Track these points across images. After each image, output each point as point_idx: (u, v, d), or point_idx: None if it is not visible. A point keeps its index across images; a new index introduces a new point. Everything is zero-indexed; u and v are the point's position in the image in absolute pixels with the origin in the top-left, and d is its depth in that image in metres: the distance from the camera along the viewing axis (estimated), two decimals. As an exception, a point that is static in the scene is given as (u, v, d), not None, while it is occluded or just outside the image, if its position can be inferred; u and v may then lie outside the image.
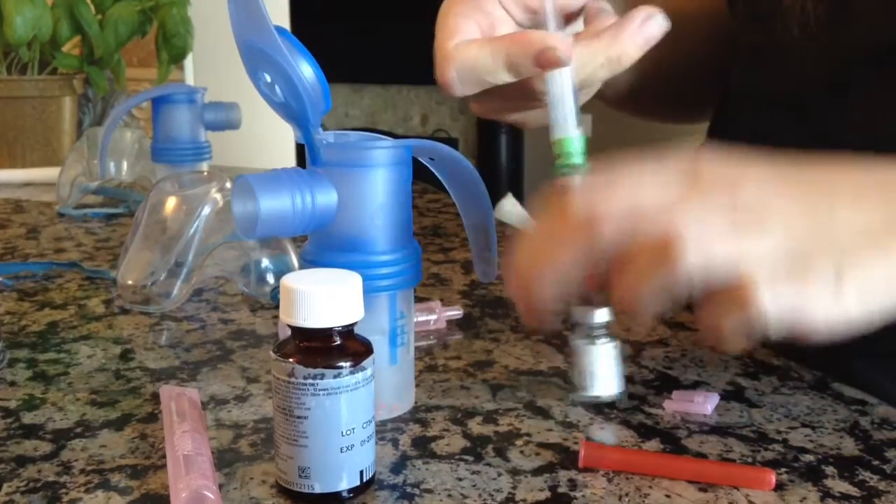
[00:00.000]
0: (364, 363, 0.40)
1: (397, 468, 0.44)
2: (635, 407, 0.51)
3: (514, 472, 0.43)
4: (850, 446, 0.46)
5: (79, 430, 0.48)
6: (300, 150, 0.69)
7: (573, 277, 0.41)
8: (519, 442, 0.46)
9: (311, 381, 0.39)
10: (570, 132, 0.49)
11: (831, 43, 0.58)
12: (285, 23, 2.33)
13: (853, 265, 0.39)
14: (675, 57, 0.70)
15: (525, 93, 0.52)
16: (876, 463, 0.44)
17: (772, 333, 0.39)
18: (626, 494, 0.41)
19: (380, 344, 0.47)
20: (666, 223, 0.38)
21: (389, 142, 0.48)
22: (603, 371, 0.49)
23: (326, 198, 0.46)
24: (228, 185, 0.69)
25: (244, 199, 0.45)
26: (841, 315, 0.39)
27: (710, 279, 0.39)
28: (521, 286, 0.42)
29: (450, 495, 0.41)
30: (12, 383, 0.54)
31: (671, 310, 0.42)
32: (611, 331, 0.49)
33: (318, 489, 0.40)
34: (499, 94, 0.52)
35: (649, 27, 0.50)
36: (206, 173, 0.77)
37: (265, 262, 0.70)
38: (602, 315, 0.48)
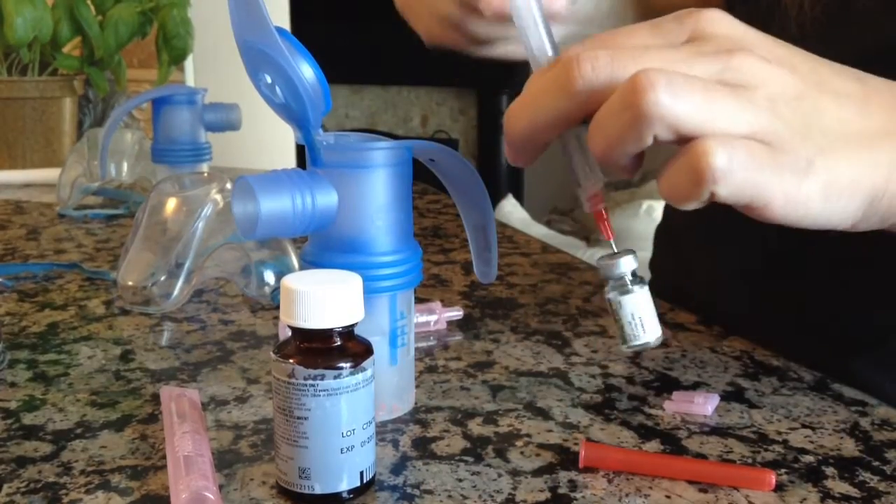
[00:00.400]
0: (364, 364, 0.40)
1: (397, 469, 0.44)
2: (635, 408, 0.51)
3: (515, 473, 0.43)
4: (850, 447, 0.46)
5: (79, 430, 0.48)
6: (300, 150, 0.68)
7: (553, 115, 0.41)
8: (519, 443, 0.46)
9: (311, 381, 0.39)
10: (544, 63, 0.46)
11: (829, 43, 0.58)
12: (285, 23, 2.34)
13: (827, 159, 0.39)
14: None
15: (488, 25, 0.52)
16: (876, 464, 0.44)
17: (726, 199, 0.38)
18: (627, 495, 0.41)
19: (380, 345, 0.47)
20: (641, 66, 0.38)
21: (389, 143, 0.48)
22: (645, 317, 0.46)
23: (327, 198, 0.46)
24: (229, 186, 0.69)
25: (244, 200, 0.45)
26: (801, 201, 0.39)
27: (675, 132, 0.38)
28: (507, 120, 0.43)
29: (450, 496, 0.41)
30: (12, 384, 0.55)
31: (638, 163, 0.41)
32: (639, 276, 0.47)
33: (318, 490, 0.40)
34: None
35: None
36: (206, 174, 0.77)
37: (265, 263, 0.70)
38: (628, 263, 0.46)
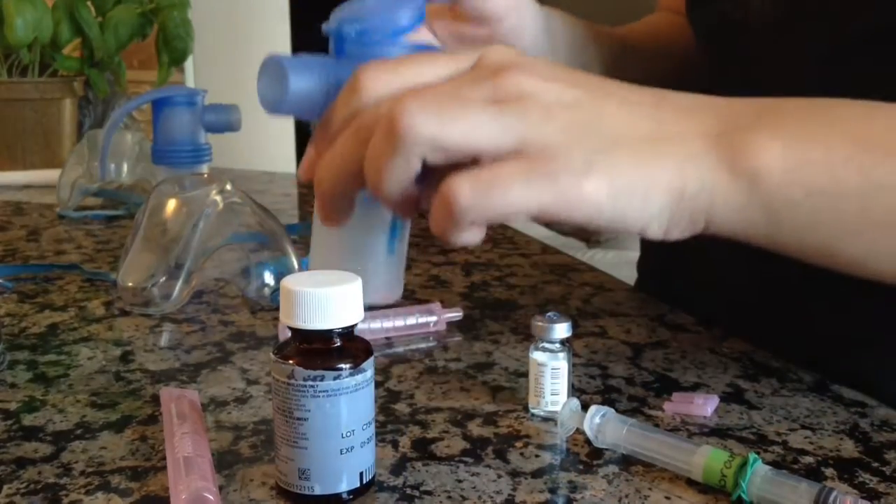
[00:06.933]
0: (364, 365, 0.40)
1: (397, 470, 0.44)
2: (635, 408, 0.51)
3: (514, 474, 0.43)
4: (849, 448, 0.46)
5: (79, 431, 0.48)
6: (300, 150, 0.69)
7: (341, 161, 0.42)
8: (519, 444, 0.47)
9: (310, 382, 0.39)
10: None
11: (796, 35, 0.58)
12: (285, 22, 2.34)
13: (609, 157, 0.39)
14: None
15: None
16: (875, 465, 0.44)
17: (495, 220, 0.39)
18: (626, 496, 0.41)
19: (380, 234, 0.48)
20: (403, 98, 0.39)
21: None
22: (562, 387, 0.49)
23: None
24: (229, 187, 0.69)
25: (273, 77, 0.45)
26: (584, 200, 0.39)
27: (442, 152, 0.39)
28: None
29: (449, 497, 0.41)
30: (12, 385, 0.55)
31: (412, 188, 0.41)
32: (568, 344, 0.50)
33: (318, 491, 0.40)
34: None
35: None
36: (206, 175, 0.77)
37: (265, 265, 0.70)
38: (562, 330, 0.49)
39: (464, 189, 0.38)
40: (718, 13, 0.66)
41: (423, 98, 0.39)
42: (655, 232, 0.41)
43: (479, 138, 0.39)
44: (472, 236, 0.40)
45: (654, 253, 0.83)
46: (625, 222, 0.40)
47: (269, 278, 0.69)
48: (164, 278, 0.67)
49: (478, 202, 0.38)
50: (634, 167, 0.40)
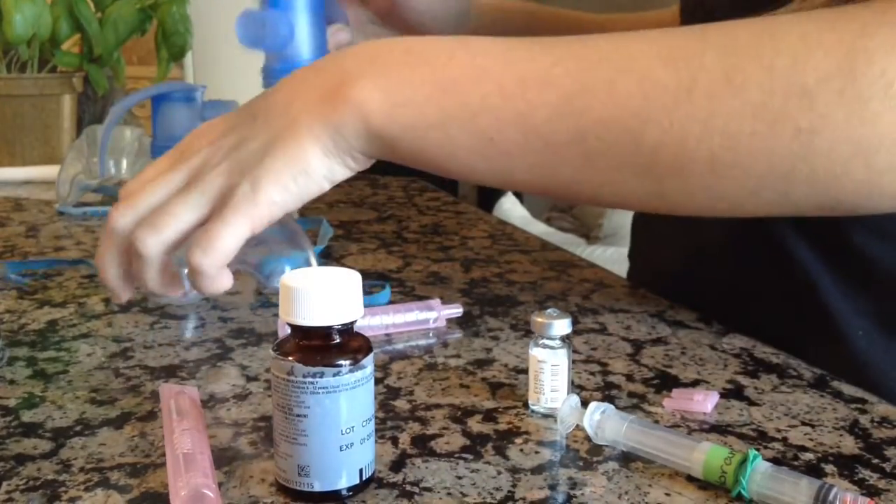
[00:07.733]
0: (364, 361, 0.40)
1: (397, 466, 0.44)
2: (635, 405, 0.51)
3: (514, 471, 0.43)
4: (849, 444, 0.46)
5: (78, 428, 0.48)
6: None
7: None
8: (518, 440, 0.47)
9: (310, 379, 0.39)
10: None
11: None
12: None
13: (263, 173, 0.50)
14: None
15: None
16: (876, 461, 0.44)
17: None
18: (626, 493, 0.41)
19: None
20: (136, 230, 0.52)
21: None
22: (561, 382, 0.49)
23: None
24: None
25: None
26: (268, 209, 0.51)
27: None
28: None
29: (449, 493, 0.41)
30: (12, 381, 0.54)
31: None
32: (568, 340, 0.50)
33: (317, 487, 0.40)
34: None
35: None
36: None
37: (282, 259, 0.69)
38: (562, 327, 0.49)
39: (197, 254, 0.50)
40: None
41: (145, 225, 0.52)
42: (338, 177, 0.53)
43: (190, 220, 0.52)
44: (222, 281, 0.52)
45: (641, 239, 0.83)
46: (312, 195, 0.52)
47: (282, 272, 0.69)
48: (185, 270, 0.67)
49: (209, 256, 0.50)
50: (284, 163, 0.51)
